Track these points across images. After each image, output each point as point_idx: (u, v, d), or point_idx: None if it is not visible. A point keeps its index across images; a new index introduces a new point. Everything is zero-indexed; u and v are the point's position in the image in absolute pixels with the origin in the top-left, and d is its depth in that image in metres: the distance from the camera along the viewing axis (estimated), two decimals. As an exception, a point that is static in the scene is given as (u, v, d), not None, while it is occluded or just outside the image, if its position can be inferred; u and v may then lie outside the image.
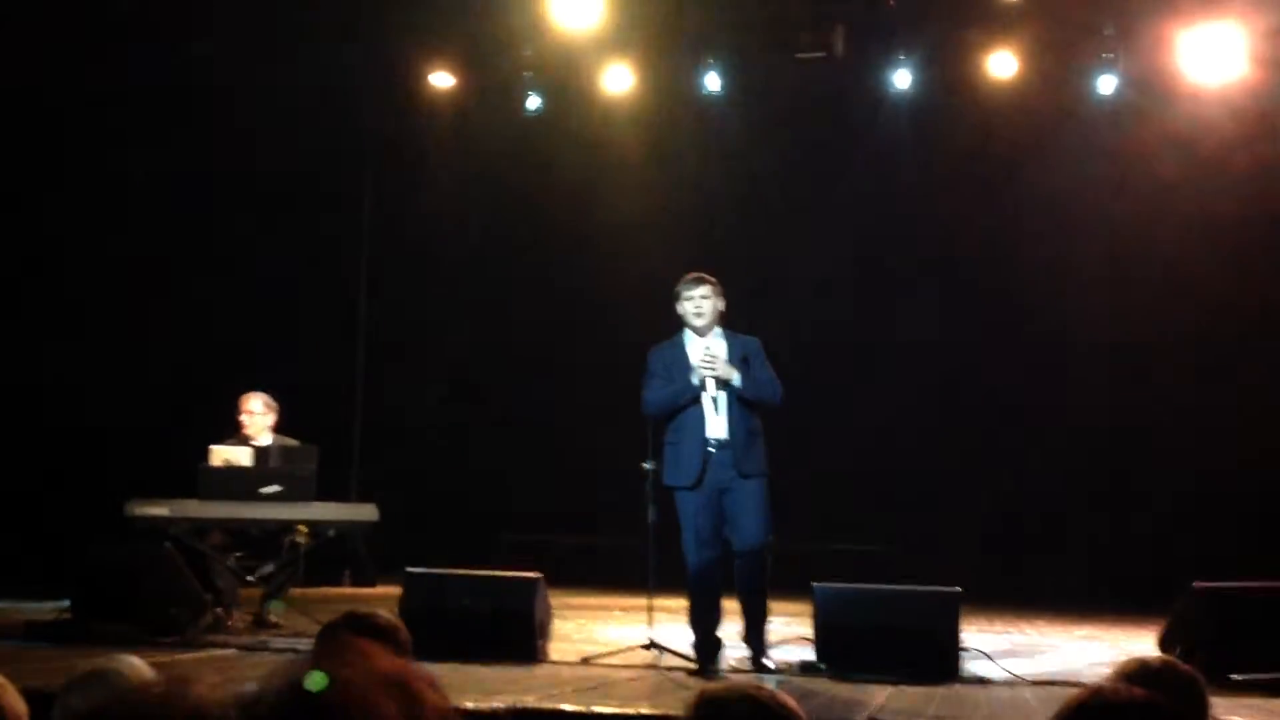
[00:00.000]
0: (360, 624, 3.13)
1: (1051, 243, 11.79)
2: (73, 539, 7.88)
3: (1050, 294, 11.86)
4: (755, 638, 6.38)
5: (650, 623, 6.75)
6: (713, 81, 11.63)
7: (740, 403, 6.38)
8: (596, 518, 12.01)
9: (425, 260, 12.86)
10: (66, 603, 7.37)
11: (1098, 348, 11.68)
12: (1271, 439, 10.67)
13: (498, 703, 4.84)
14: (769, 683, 4.43)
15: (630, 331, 9.95)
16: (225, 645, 6.89)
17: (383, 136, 12.48)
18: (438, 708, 0.92)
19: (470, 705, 4.65)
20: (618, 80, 11.82)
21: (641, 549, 6.92)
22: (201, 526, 7.74)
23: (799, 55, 11.37)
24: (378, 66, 11.67)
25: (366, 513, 7.89)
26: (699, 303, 6.44)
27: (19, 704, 2.61)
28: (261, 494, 7.63)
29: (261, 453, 7.94)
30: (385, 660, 0.92)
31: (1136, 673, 2.70)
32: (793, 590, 7.15)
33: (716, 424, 6.38)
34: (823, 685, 5.98)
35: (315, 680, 0.87)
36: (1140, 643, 7.51)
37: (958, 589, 6.50)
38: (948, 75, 11.56)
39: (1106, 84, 11.15)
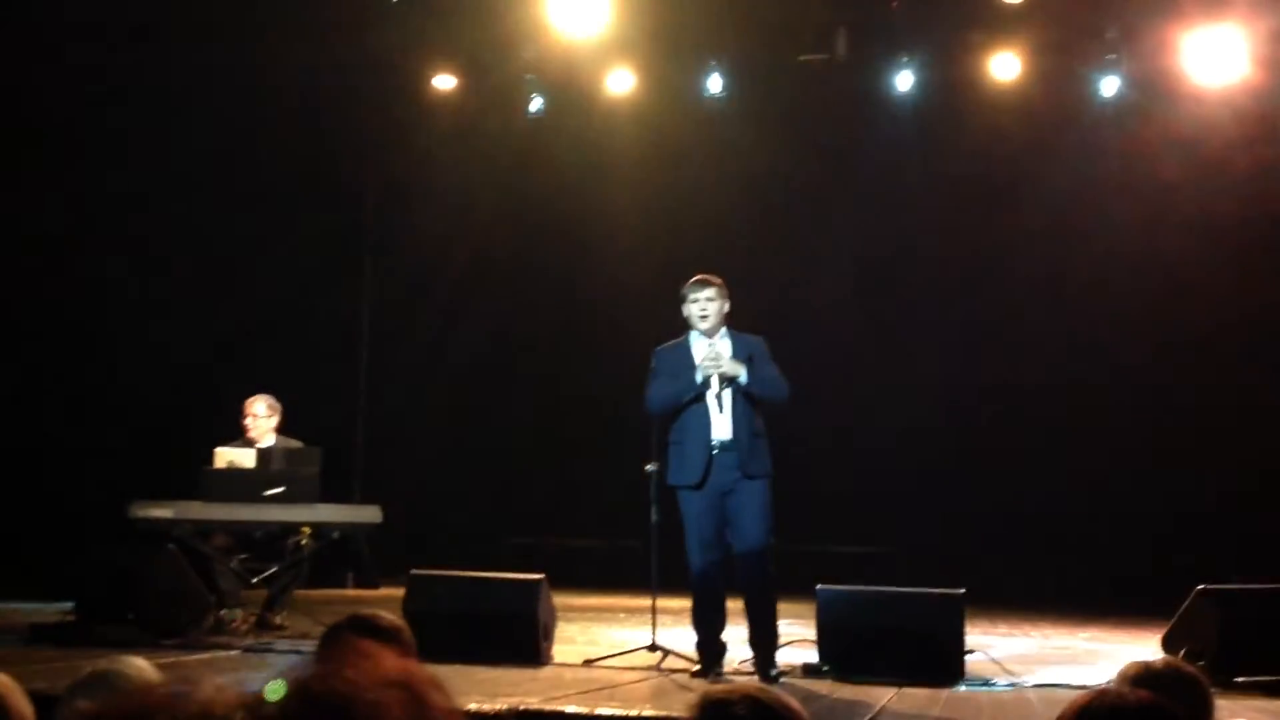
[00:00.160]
0: (364, 626, 3.13)
1: (1053, 244, 11.80)
2: (76, 541, 7.88)
3: (1052, 295, 11.87)
4: (762, 642, 6.35)
5: (654, 624, 6.74)
6: (715, 84, 11.64)
7: (745, 402, 6.37)
8: (600, 519, 12.01)
9: (428, 262, 12.86)
10: (70, 604, 7.38)
11: (1100, 349, 11.68)
12: (1275, 439, 10.67)
13: (501, 704, 4.84)
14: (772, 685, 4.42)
15: (633, 333, 9.96)
16: (229, 647, 6.90)
17: (385, 138, 12.49)
18: (443, 709, 0.92)
19: (474, 707, 4.65)
20: (620, 83, 11.82)
21: (645, 550, 6.92)
22: (205, 528, 7.74)
23: (801, 57, 11.38)
24: (380, 69, 11.68)
25: (370, 514, 7.88)
26: (704, 305, 6.43)
27: (25, 706, 2.62)
28: (265, 496, 7.63)
29: (265, 454, 7.95)
30: (390, 662, 0.92)
31: (1141, 675, 2.70)
32: (796, 592, 7.14)
33: (720, 424, 6.36)
34: (826, 687, 5.98)
35: (273, 689, 0.87)
36: (1144, 645, 7.50)
37: (961, 591, 6.49)
38: (950, 77, 11.57)
39: (1109, 86, 11.16)
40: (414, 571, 7.03)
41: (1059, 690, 5.92)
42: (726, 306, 6.50)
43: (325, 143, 11.64)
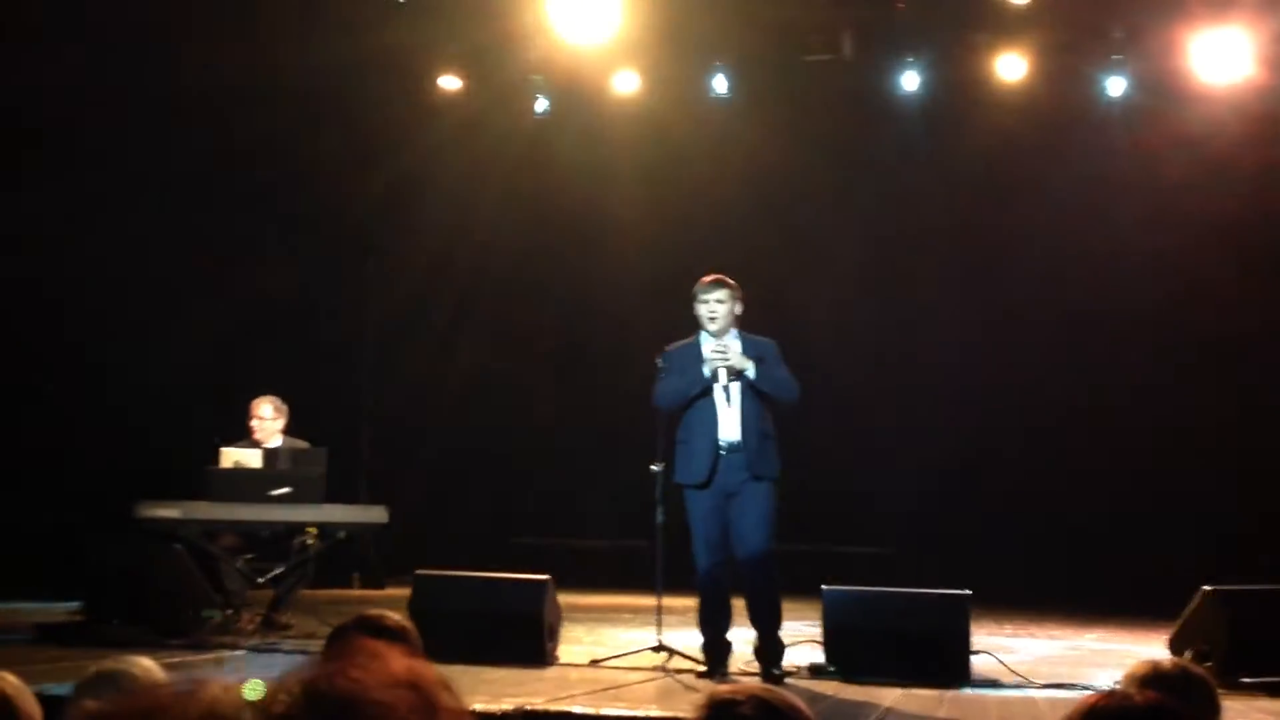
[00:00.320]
0: (371, 625, 3.13)
1: (1058, 244, 11.78)
2: (83, 541, 7.89)
3: (1057, 296, 11.85)
4: (766, 644, 6.34)
5: (659, 625, 6.74)
6: (720, 84, 11.64)
7: (755, 402, 6.36)
8: (605, 520, 12.02)
9: (434, 262, 12.86)
10: (77, 604, 7.40)
11: (1106, 348, 11.67)
12: (1281, 440, 10.66)
13: (507, 704, 4.85)
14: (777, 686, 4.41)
15: (639, 333, 9.97)
16: (235, 647, 6.91)
17: (390, 139, 12.49)
18: (452, 710, 0.92)
19: (479, 707, 4.65)
20: (625, 83, 11.82)
21: (650, 551, 6.92)
22: (211, 528, 7.75)
23: (807, 58, 11.37)
24: (385, 69, 11.67)
25: (376, 515, 7.89)
26: (714, 306, 6.43)
27: (33, 706, 2.62)
28: (271, 496, 7.64)
29: (271, 455, 7.96)
30: (398, 662, 0.92)
31: (1149, 676, 2.69)
32: (801, 592, 7.14)
33: (728, 421, 6.36)
34: (832, 688, 5.98)
35: (251, 689, 0.86)
36: (1151, 646, 7.49)
37: (967, 591, 6.49)
38: (956, 77, 11.56)
39: (1115, 86, 11.15)
40: (420, 572, 7.03)
41: (1066, 691, 5.91)
42: (738, 309, 6.50)
43: (330, 143, 11.63)
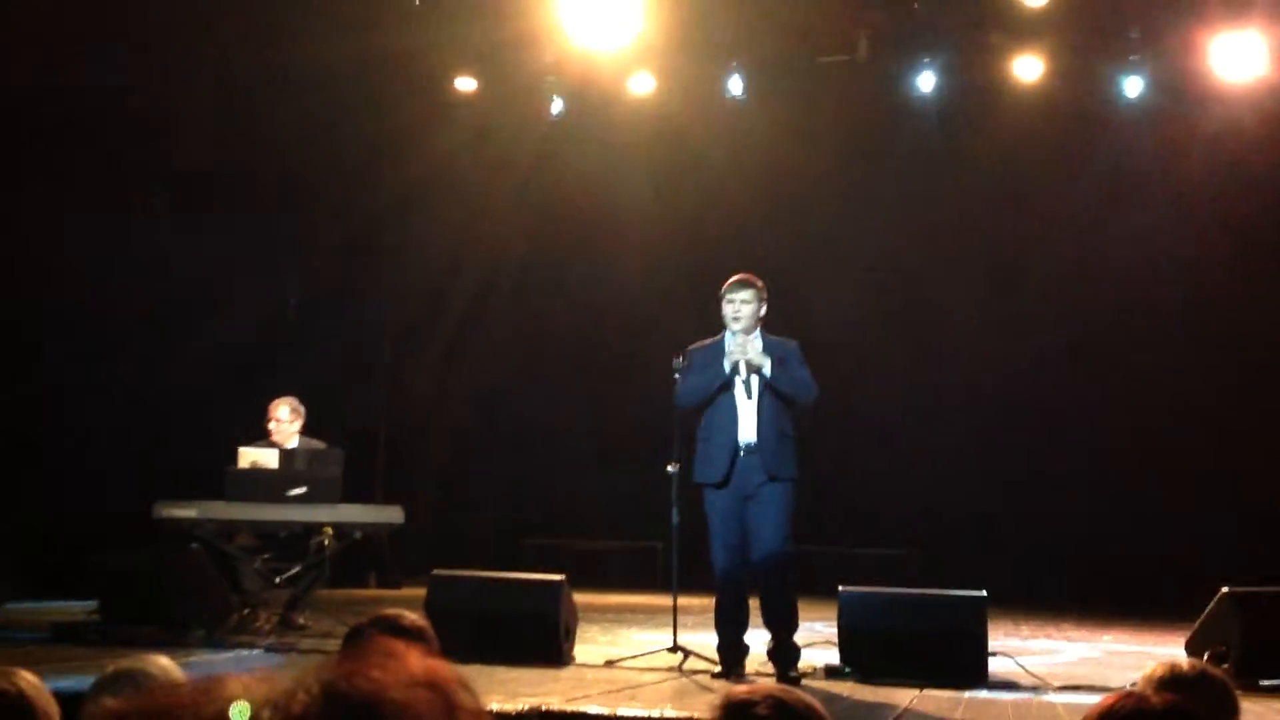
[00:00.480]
0: (388, 625, 3.14)
1: (1075, 245, 11.76)
2: (101, 541, 7.92)
3: (1074, 296, 11.83)
4: (782, 649, 6.33)
5: (675, 625, 6.74)
6: (736, 85, 11.63)
7: (775, 403, 6.35)
8: (621, 520, 12.02)
9: (449, 264, 12.88)
10: (94, 604, 7.42)
11: (1123, 347, 11.63)
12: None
13: (523, 704, 4.85)
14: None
15: (653, 334, 9.98)
16: (252, 646, 6.92)
17: (406, 140, 12.50)
18: (471, 710, 0.92)
19: (495, 707, 4.65)
20: (641, 85, 11.81)
21: (666, 551, 6.92)
22: (228, 528, 7.77)
23: (822, 59, 11.36)
24: (401, 70, 11.69)
25: (392, 515, 7.90)
26: (738, 306, 6.43)
27: (51, 705, 2.63)
28: (288, 496, 7.66)
29: (288, 455, 7.98)
30: (417, 661, 0.92)
31: (1166, 678, 2.68)
32: (817, 593, 7.13)
33: (748, 422, 6.35)
34: (848, 689, 5.97)
35: (239, 711, 0.86)
36: (1168, 648, 7.46)
37: (984, 593, 6.47)
38: (972, 78, 11.53)
39: (1133, 87, 11.11)
40: (436, 572, 7.04)
41: (1083, 693, 5.89)
42: (763, 310, 6.49)
43: (346, 144, 11.66)
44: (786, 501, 6.35)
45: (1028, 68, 11.16)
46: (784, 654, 6.30)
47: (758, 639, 6.51)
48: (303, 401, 8.43)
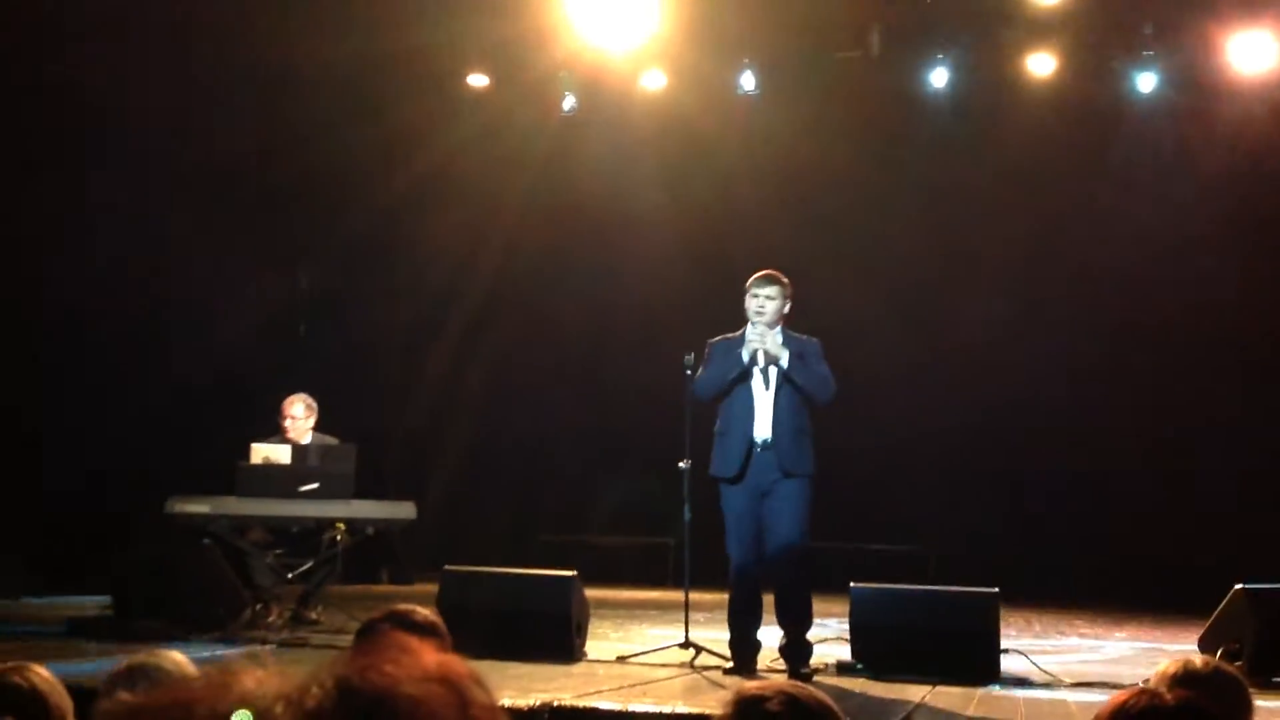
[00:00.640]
0: (401, 620, 3.14)
1: (1088, 241, 11.72)
2: (114, 536, 7.95)
3: (1087, 292, 11.79)
4: (794, 647, 6.32)
5: (686, 621, 6.74)
6: (748, 81, 11.61)
7: (791, 397, 6.35)
8: (633, 516, 12.02)
9: (461, 259, 12.89)
10: (108, 599, 7.45)
11: (1137, 344, 11.60)
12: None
13: (535, 700, 4.85)
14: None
15: (666, 329, 9.97)
16: (264, 641, 6.94)
17: (418, 136, 12.51)
18: (484, 705, 0.92)
19: (507, 703, 4.66)
20: (653, 80, 11.80)
21: (678, 547, 6.92)
22: (241, 524, 7.79)
23: (835, 54, 11.34)
24: (414, 67, 11.70)
25: (404, 511, 7.91)
26: (763, 301, 6.43)
27: (64, 699, 2.64)
28: (300, 492, 7.67)
29: (300, 451, 7.99)
30: (430, 656, 0.92)
31: (1180, 675, 2.67)
32: (829, 590, 7.13)
33: (764, 413, 6.34)
34: (860, 685, 5.97)
35: (241, 718, 0.86)
36: (1181, 645, 7.45)
37: (995, 590, 6.46)
38: (985, 74, 11.51)
39: (1146, 82, 11.08)
40: (448, 568, 7.05)
41: (1096, 690, 5.88)
42: (786, 307, 6.50)
43: (358, 139, 11.68)
44: (803, 498, 6.35)
45: (1040, 64, 11.14)
46: (796, 651, 6.30)
47: (770, 635, 6.51)
48: (316, 398, 8.44)
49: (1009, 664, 6.43)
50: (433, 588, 7.06)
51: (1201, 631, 6.69)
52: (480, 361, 13.05)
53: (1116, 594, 10.48)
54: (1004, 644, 6.48)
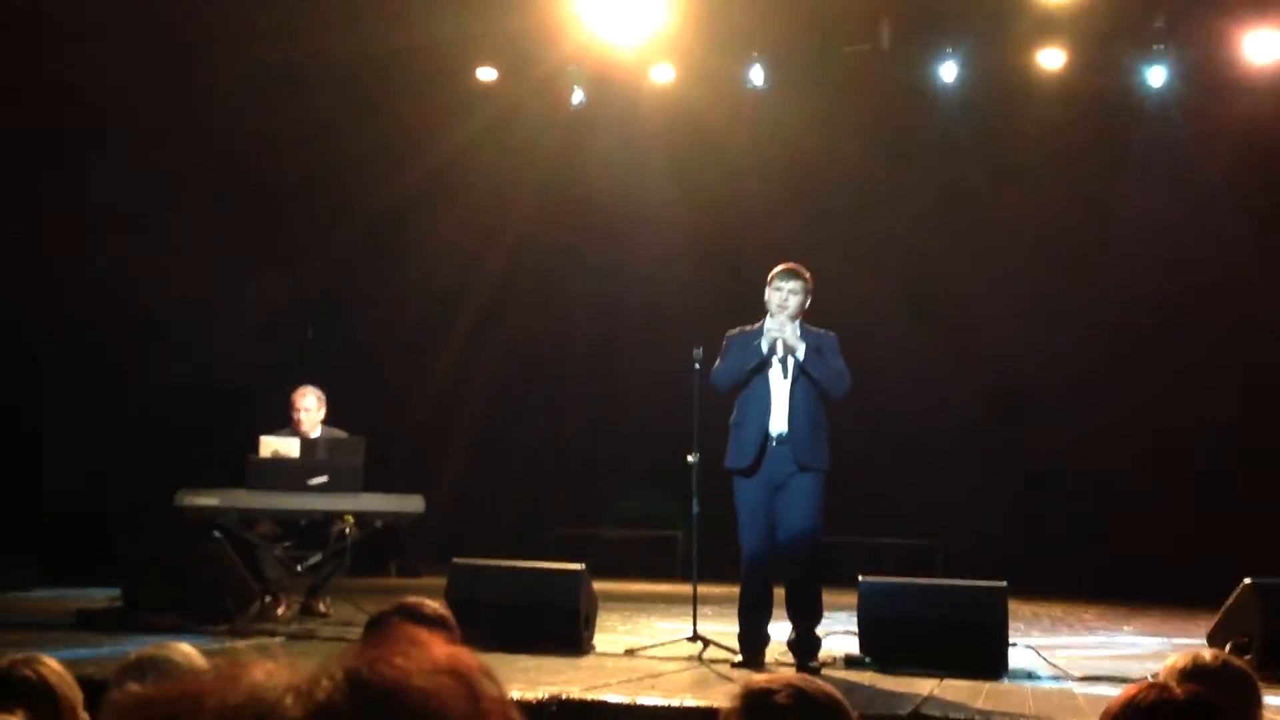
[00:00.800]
0: (411, 613, 3.15)
1: (1098, 235, 11.69)
2: (124, 528, 7.97)
3: (1095, 286, 11.76)
4: (803, 641, 6.32)
5: (695, 614, 6.75)
6: (757, 75, 11.59)
7: (806, 391, 6.34)
8: (641, 510, 12.02)
9: (470, 253, 12.88)
10: (117, 591, 7.47)
11: (1145, 338, 11.57)
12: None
13: (543, 693, 4.86)
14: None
15: (674, 324, 9.97)
16: (273, 634, 6.96)
17: (426, 131, 12.50)
18: (494, 698, 0.92)
19: (515, 695, 4.67)
20: (662, 74, 11.79)
21: (686, 541, 6.92)
22: (250, 516, 7.80)
23: (844, 48, 11.32)
24: (422, 61, 11.69)
25: (413, 504, 7.92)
26: (786, 295, 6.42)
27: (74, 691, 2.65)
28: (309, 485, 7.69)
29: (310, 444, 8.01)
30: (440, 649, 0.92)
31: (1189, 668, 2.67)
32: (838, 583, 7.13)
33: (780, 406, 6.33)
34: (868, 678, 5.97)
35: None
36: (1189, 638, 7.44)
37: (1004, 583, 6.46)
38: (995, 68, 11.48)
39: (1156, 76, 11.04)
40: (456, 561, 7.06)
41: (1104, 684, 5.87)
42: (807, 302, 6.50)
43: (367, 134, 11.68)
44: (817, 492, 6.34)
45: (1050, 58, 11.11)
46: (804, 645, 6.30)
47: (779, 629, 6.51)
48: (325, 390, 8.45)
49: (1017, 657, 6.43)
50: (441, 581, 7.07)
51: (1211, 625, 6.68)
52: (489, 355, 13.04)
53: (1125, 588, 10.46)
54: (1012, 637, 6.48)
